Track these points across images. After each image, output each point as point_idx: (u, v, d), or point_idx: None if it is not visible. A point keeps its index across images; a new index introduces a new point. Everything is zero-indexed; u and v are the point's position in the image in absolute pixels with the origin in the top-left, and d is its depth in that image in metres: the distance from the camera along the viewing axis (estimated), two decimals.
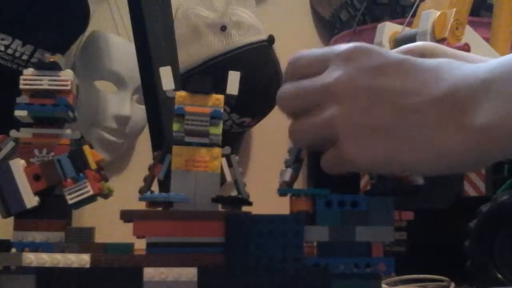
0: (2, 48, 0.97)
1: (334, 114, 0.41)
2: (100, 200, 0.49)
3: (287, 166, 0.49)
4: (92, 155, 0.48)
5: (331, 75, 0.43)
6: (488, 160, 0.41)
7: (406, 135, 0.40)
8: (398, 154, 0.40)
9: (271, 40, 1.21)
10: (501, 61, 0.39)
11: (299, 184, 0.51)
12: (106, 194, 0.50)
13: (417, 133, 0.40)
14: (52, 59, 0.49)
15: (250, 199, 0.49)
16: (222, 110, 0.48)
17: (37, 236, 0.47)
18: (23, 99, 0.48)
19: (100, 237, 0.48)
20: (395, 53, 0.44)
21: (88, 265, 0.44)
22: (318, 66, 0.44)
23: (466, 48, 0.87)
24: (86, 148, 0.47)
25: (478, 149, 0.38)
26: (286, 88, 0.46)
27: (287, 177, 0.48)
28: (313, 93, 0.43)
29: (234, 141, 1.29)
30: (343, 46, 0.44)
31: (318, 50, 0.46)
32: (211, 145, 0.48)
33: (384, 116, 0.40)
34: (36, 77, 0.48)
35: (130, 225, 0.45)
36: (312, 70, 0.44)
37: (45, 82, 0.48)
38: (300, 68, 0.46)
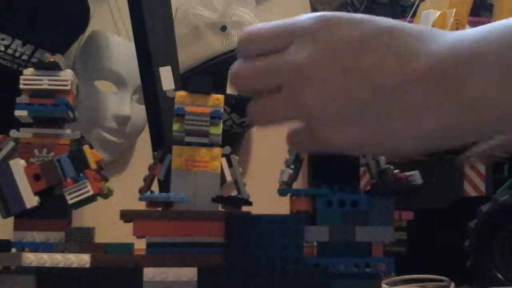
0: (2, 48, 0.97)
1: (308, 97, 0.37)
2: (100, 200, 0.49)
3: (287, 166, 0.49)
4: (92, 155, 0.48)
5: (300, 53, 0.38)
6: (467, 137, 0.38)
7: (388, 116, 0.36)
8: (379, 137, 0.37)
9: None
10: (490, 28, 0.35)
11: (299, 184, 0.51)
12: (106, 194, 0.50)
13: (401, 114, 0.36)
14: (52, 59, 0.49)
15: (250, 199, 0.49)
16: (222, 110, 0.48)
17: (37, 236, 0.47)
18: (23, 99, 0.48)
19: (100, 237, 0.48)
20: (369, 19, 0.38)
21: (88, 265, 0.44)
22: (278, 42, 0.39)
23: None
24: (86, 148, 0.47)
25: (462, 127, 0.36)
26: (243, 66, 0.41)
27: (285, 177, 0.48)
28: (281, 72, 0.39)
29: (234, 141, 1.29)
30: (308, 19, 0.39)
31: (276, 23, 0.41)
32: (211, 145, 0.48)
33: (363, 97, 0.36)
34: (36, 77, 0.48)
35: (130, 225, 0.45)
36: (271, 46, 0.40)
37: (45, 82, 0.48)
38: (257, 43, 0.41)
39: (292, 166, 0.49)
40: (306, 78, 0.37)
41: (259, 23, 0.43)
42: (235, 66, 0.42)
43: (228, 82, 0.42)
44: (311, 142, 0.40)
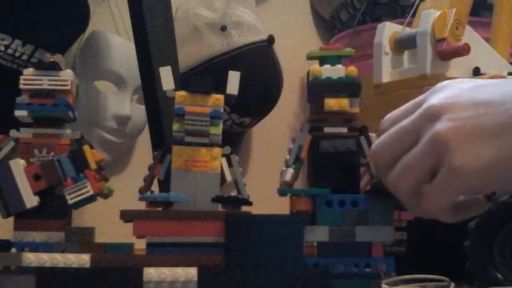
0: (2, 48, 0.97)
1: (437, 129, 0.41)
2: (100, 200, 0.49)
3: (287, 166, 0.49)
4: (92, 155, 0.48)
5: (429, 101, 0.43)
6: None
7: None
8: (508, 154, 0.40)
9: (271, 40, 1.20)
10: None
11: (299, 184, 0.51)
12: (106, 194, 0.50)
13: None
14: (52, 59, 0.49)
15: (250, 199, 0.49)
16: (222, 110, 0.48)
17: (37, 236, 0.47)
18: (23, 99, 0.48)
19: (100, 237, 0.48)
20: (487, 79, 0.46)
21: (88, 265, 0.44)
22: (412, 111, 0.44)
23: (466, 48, 0.87)
24: (86, 148, 0.47)
25: None
26: (379, 139, 0.45)
27: (287, 177, 0.48)
28: (412, 125, 0.43)
29: (234, 141, 1.29)
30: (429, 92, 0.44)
31: (410, 101, 0.46)
32: (211, 145, 0.48)
33: (492, 120, 0.41)
34: (36, 77, 0.48)
35: (130, 225, 0.45)
36: (406, 116, 0.44)
37: (45, 82, 0.48)
38: (392, 121, 0.45)
39: (293, 166, 0.49)
40: (435, 114, 0.42)
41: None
42: (375, 142, 0.45)
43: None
44: (449, 185, 0.41)
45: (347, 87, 0.48)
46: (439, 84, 0.45)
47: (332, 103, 0.48)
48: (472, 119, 0.41)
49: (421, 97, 0.45)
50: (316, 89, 0.49)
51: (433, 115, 0.42)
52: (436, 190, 0.42)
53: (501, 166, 0.40)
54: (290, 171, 0.48)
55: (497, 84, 0.43)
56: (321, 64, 0.50)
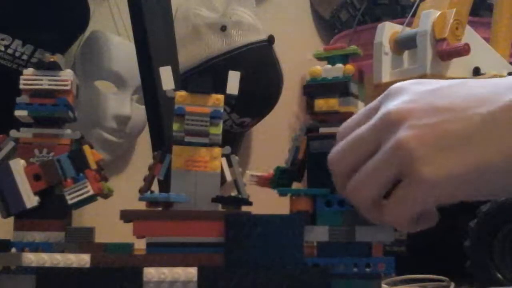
0: (2, 48, 0.97)
1: (399, 137, 0.39)
2: (100, 200, 0.49)
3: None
4: (92, 155, 0.48)
5: (386, 107, 0.41)
6: None
7: (481, 143, 0.38)
8: (475, 163, 0.38)
9: (271, 40, 1.21)
10: None
11: (299, 184, 0.51)
12: (106, 194, 0.50)
13: (493, 139, 0.38)
14: (52, 59, 0.49)
15: (250, 199, 0.49)
16: (222, 110, 0.48)
17: (37, 236, 0.47)
18: (23, 99, 0.48)
19: (100, 237, 0.48)
20: (444, 80, 0.43)
21: (88, 265, 0.44)
22: (367, 117, 0.42)
23: (466, 48, 0.87)
24: (86, 148, 0.47)
25: None
26: (336, 147, 0.43)
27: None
28: (370, 132, 0.41)
29: (234, 141, 1.29)
30: (391, 87, 0.43)
31: (364, 108, 0.44)
32: (211, 145, 0.48)
33: (455, 129, 0.38)
34: (36, 77, 0.48)
35: (130, 225, 0.45)
36: (362, 123, 0.42)
37: (45, 82, 0.48)
38: (349, 128, 0.43)
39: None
40: (395, 123, 0.40)
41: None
42: (332, 150, 0.44)
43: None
44: (412, 196, 0.40)
45: (337, 87, 0.48)
46: (393, 87, 0.42)
47: (321, 104, 0.48)
48: (435, 126, 0.39)
49: (375, 102, 0.43)
50: (308, 91, 0.49)
51: (392, 122, 0.40)
52: (398, 200, 0.40)
53: (467, 176, 0.38)
54: None
55: (454, 85, 0.41)
56: (329, 64, 0.50)
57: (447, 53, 0.87)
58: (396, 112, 0.40)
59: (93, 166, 0.47)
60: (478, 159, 0.38)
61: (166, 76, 0.48)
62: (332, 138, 0.47)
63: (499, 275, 0.79)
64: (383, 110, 0.41)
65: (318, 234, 0.47)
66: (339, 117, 0.48)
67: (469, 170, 0.38)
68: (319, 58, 0.51)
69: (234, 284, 0.44)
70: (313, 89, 0.49)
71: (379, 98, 0.43)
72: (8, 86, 0.56)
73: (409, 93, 0.41)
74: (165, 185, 0.48)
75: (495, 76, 0.88)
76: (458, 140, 0.38)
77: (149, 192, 0.47)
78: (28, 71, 0.48)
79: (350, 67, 0.49)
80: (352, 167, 0.42)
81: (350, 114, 0.48)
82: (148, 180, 0.48)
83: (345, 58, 0.50)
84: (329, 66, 0.49)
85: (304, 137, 0.49)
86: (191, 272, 0.44)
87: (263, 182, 0.50)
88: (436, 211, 0.43)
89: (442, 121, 0.39)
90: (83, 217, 1.02)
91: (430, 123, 0.39)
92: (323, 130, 0.49)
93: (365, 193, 0.41)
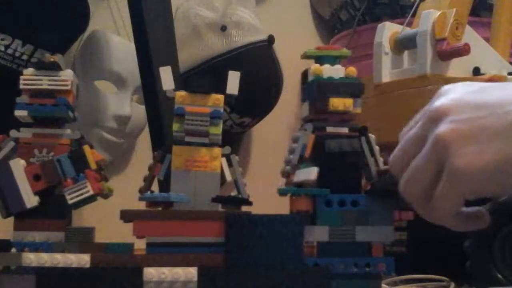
0: (2, 48, 0.97)
1: (440, 130, 0.41)
2: (100, 200, 0.49)
3: (289, 165, 0.49)
4: (92, 155, 0.48)
5: (432, 105, 0.43)
6: None
7: None
8: (510, 156, 0.40)
9: (271, 40, 1.20)
10: None
11: None
12: (106, 194, 0.50)
13: None
14: (52, 59, 0.49)
15: (250, 199, 0.49)
16: (222, 110, 0.48)
17: (37, 236, 0.47)
18: (23, 99, 0.48)
19: (100, 237, 0.48)
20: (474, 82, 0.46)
21: (88, 265, 0.44)
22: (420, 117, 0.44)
23: (466, 48, 0.87)
24: (86, 148, 0.47)
25: None
26: (394, 150, 0.45)
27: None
28: (420, 129, 0.43)
29: (234, 141, 1.29)
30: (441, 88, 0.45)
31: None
32: (211, 145, 0.48)
33: (492, 122, 0.40)
34: (36, 77, 0.48)
35: (130, 225, 0.45)
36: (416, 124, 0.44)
37: (45, 82, 0.48)
38: (408, 130, 0.45)
39: (302, 166, 0.49)
40: (441, 116, 0.42)
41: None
42: (392, 154, 0.45)
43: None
44: (451, 190, 0.41)
45: (350, 88, 0.48)
46: (443, 88, 0.45)
47: (337, 103, 0.48)
48: (472, 120, 0.41)
49: (428, 105, 0.45)
50: (321, 89, 0.49)
51: (436, 117, 0.42)
52: (439, 194, 0.42)
53: (500, 168, 0.40)
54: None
55: (502, 86, 0.43)
56: (317, 63, 0.50)
57: (447, 53, 0.87)
58: (440, 108, 0.42)
59: (93, 166, 0.47)
60: (510, 153, 0.40)
61: (166, 76, 0.48)
62: (348, 138, 0.47)
63: (499, 275, 0.79)
64: (429, 107, 0.43)
65: (318, 234, 0.47)
66: (345, 117, 0.48)
67: (500, 163, 0.40)
68: (309, 57, 0.51)
69: (234, 284, 0.44)
70: (325, 87, 0.49)
71: (433, 98, 0.45)
72: (8, 86, 0.56)
73: (456, 92, 0.43)
74: (165, 185, 0.48)
75: (495, 76, 0.88)
76: (491, 134, 0.40)
77: (149, 192, 0.47)
78: (28, 71, 0.48)
79: (352, 69, 0.49)
80: (406, 166, 0.43)
81: (355, 116, 0.49)
82: (148, 180, 0.48)
83: (333, 59, 0.50)
84: (328, 66, 0.49)
85: (312, 135, 0.49)
86: (191, 272, 0.44)
87: None
88: (488, 213, 0.45)
89: (479, 116, 0.41)
90: (83, 217, 1.02)
91: (467, 118, 0.41)
92: (330, 129, 0.49)
93: (413, 189, 0.43)
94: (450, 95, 0.43)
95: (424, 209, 0.43)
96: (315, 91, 0.49)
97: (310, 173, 0.48)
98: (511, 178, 0.41)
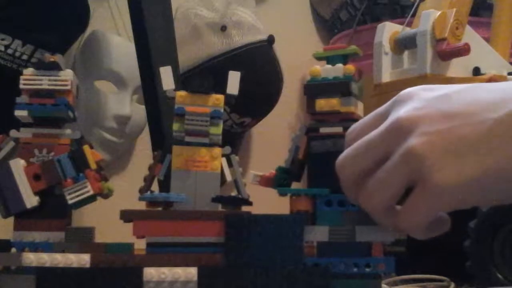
0: (2, 48, 0.97)
1: (411, 144, 0.39)
2: (100, 200, 0.49)
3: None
4: (92, 155, 0.48)
5: (396, 114, 0.41)
6: None
7: (491, 149, 0.38)
8: (486, 169, 0.38)
9: (271, 40, 1.20)
10: None
11: (299, 184, 0.51)
12: (106, 194, 0.50)
13: (503, 145, 0.38)
14: (52, 59, 0.49)
15: (250, 199, 0.49)
16: (222, 110, 0.48)
17: (37, 236, 0.47)
18: (23, 99, 0.48)
19: (100, 237, 0.48)
20: (452, 85, 0.43)
21: (88, 265, 0.44)
22: (376, 123, 0.42)
23: (466, 48, 0.87)
24: (86, 148, 0.47)
25: None
26: (345, 152, 0.43)
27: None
28: (380, 139, 0.41)
29: (234, 141, 1.29)
30: (400, 92, 0.42)
31: (372, 112, 0.44)
32: (211, 145, 0.48)
33: (467, 132, 0.38)
34: (36, 77, 0.48)
35: (130, 225, 0.45)
36: (371, 128, 0.42)
37: (45, 82, 0.48)
38: (359, 132, 0.43)
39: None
40: (405, 129, 0.39)
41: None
42: (341, 155, 0.43)
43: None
44: (426, 204, 0.39)
45: (338, 87, 0.48)
46: (403, 93, 0.42)
47: (322, 104, 0.48)
48: (445, 132, 0.39)
49: (385, 107, 0.43)
50: (309, 91, 0.49)
51: (402, 129, 0.40)
52: (411, 208, 0.40)
53: (480, 182, 0.38)
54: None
55: (462, 91, 0.41)
56: (329, 64, 0.50)
57: (447, 53, 0.87)
58: (406, 119, 0.40)
59: (93, 166, 0.47)
60: (489, 165, 0.38)
61: (166, 76, 0.48)
62: (332, 138, 0.47)
63: (499, 275, 0.79)
64: (392, 117, 0.41)
65: (318, 234, 0.47)
66: (340, 117, 0.48)
67: (480, 176, 0.38)
68: (319, 58, 0.51)
69: (234, 284, 0.44)
70: (314, 88, 0.49)
71: (387, 103, 0.43)
72: (8, 86, 0.56)
73: (418, 100, 0.41)
74: (165, 185, 0.48)
75: (495, 76, 0.88)
76: (469, 146, 0.38)
77: (149, 192, 0.47)
78: (28, 71, 0.48)
79: (350, 67, 0.49)
80: (361, 174, 0.42)
81: (351, 114, 0.48)
82: (148, 180, 0.48)
83: (344, 58, 0.50)
84: (329, 66, 0.49)
85: (305, 137, 0.49)
86: (191, 272, 0.44)
87: (265, 182, 0.50)
88: (448, 216, 0.43)
89: (452, 127, 0.39)
90: (83, 217, 1.02)
91: (440, 129, 0.39)
92: (323, 130, 0.49)
93: (378, 201, 0.41)
94: (413, 103, 0.41)
95: (386, 220, 0.42)
96: (304, 93, 0.49)
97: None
98: (491, 191, 0.39)
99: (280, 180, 0.50)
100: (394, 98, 0.43)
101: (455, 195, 0.39)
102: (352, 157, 0.42)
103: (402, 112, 0.40)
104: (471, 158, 0.38)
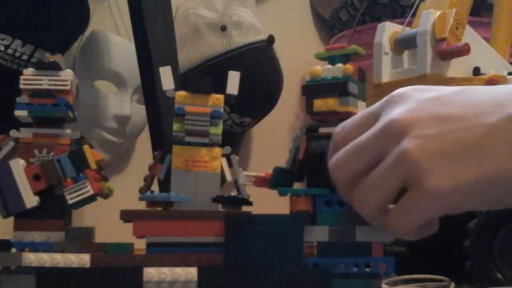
0: (2, 48, 0.97)
1: (405, 147, 0.38)
2: (100, 200, 0.49)
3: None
4: (92, 155, 0.47)
5: (389, 115, 0.40)
6: None
7: (486, 153, 0.38)
8: (481, 174, 0.38)
9: (271, 40, 1.21)
10: None
11: (299, 184, 0.51)
12: (106, 194, 0.50)
13: (498, 150, 0.37)
14: (52, 59, 0.49)
15: (250, 199, 0.49)
16: (222, 110, 0.48)
17: (37, 236, 0.47)
18: (23, 99, 0.48)
19: (100, 237, 0.48)
20: (445, 87, 0.42)
21: (88, 265, 0.44)
22: (368, 123, 0.42)
23: (466, 48, 0.87)
24: (86, 148, 0.47)
25: None
26: (338, 155, 0.42)
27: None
28: (373, 141, 0.40)
29: (234, 141, 1.29)
30: (392, 93, 0.42)
31: (362, 111, 0.44)
32: (211, 145, 0.48)
33: (463, 136, 0.38)
34: (36, 77, 0.48)
35: (130, 225, 0.45)
36: (362, 129, 0.42)
37: (45, 82, 0.48)
38: (349, 132, 0.43)
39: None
40: (398, 132, 0.39)
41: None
42: (333, 157, 0.43)
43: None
44: (418, 207, 0.39)
45: (336, 87, 0.48)
46: (395, 93, 0.42)
47: (319, 104, 0.48)
48: (440, 136, 0.38)
49: (377, 107, 0.42)
50: (307, 91, 0.49)
51: (395, 132, 0.39)
52: (404, 210, 0.40)
53: (475, 187, 0.38)
54: None
55: (456, 93, 0.41)
56: (330, 64, 0.50)
57: (447, 53, 0.88)
58: (399, 121, 0.39)
59: (93, 166, 0.47)
60: (483, 171, 0.38)
61: (166, 76, 0.48)
62: (328, 138, 0.47)
63: (499, 275, 0.79)
64: (385, 119, 0.40)
65: (318, 234, 0.46)
66: (338, 117, 0.48)
67: (475, 181, 0.38)
68: (321, 58, 0.51)
69: (234, 284, 0.44)
70: (312, 89, 0.49)
71: (379, 103, 0.42)
72: (8, 86, 0.56)
73: (411, 101, 0.40)
74: (165, 185, 0.48)
75: (495, 76, 0.88)
76: (463, 150, 0.38)
77: (149, 192, 0.47)
78: (28, 71, 0.48)
79: (349, 67, 0.49)
80: (354, 176, 0.42)
81: (349, 114, 0.48)
82: (148, 180, 0.48)
83: (345, 58, 0.50)
84: (329, 66, 0.49)
85: (305, 137, 0.49)
86: (191, 272, 0.44)
87: (259, 182, 0.50)
88: (437, 218, 0.43)
89: (446, 130, 0.38)
90: (83, 217, 1.02)
91: (434, 133, 0.38)
92: (322, 130, 0.49)
93: (371, 203, 0.41)
94: (406, 104, 0.40)
95: (378, 220, 0.42)
96: (302, 93, 0.49)
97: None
98: (484, 197, 0.39)
99: (277, 181, 0.50)
100: (385, 98, 0.42)
101: (449, 199, 0.38)
102: (344, 159, 0.42)
103: (395, 113, 0.40)
104: (465, 163, 0.38)
